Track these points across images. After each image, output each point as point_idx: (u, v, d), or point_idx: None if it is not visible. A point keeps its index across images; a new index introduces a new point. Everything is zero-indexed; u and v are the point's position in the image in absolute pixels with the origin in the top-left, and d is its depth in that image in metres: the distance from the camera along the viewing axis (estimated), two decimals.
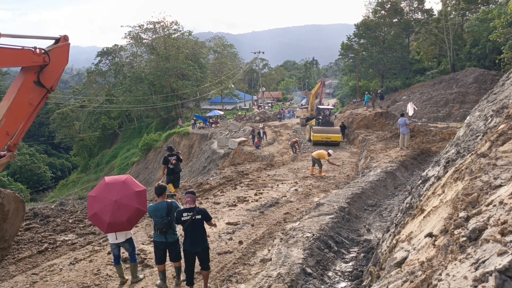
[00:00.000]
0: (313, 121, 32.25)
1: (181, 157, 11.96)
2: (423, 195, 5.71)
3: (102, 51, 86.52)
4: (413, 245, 4.17)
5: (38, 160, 73.13)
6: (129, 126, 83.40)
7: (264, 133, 34.14)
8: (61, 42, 7.58)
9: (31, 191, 61.61)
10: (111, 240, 6.40)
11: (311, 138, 27.94)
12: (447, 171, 5.46)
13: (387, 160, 15.50)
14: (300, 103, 71.37)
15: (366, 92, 39.45)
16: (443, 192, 4.69)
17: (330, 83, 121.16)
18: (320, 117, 30.64)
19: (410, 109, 33.65)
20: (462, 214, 3.56)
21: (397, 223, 6.26)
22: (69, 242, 8.53)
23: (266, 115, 55.39)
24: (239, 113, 65.79)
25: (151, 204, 6.45)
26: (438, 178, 5.59)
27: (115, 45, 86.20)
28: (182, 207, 6.16)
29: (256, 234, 8.71)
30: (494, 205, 3.28)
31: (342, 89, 69.25)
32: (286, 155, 26.66)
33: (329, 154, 16.19)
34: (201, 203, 11.63)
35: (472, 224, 3.19)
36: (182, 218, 5.94)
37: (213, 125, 51.97)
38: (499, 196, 3.39)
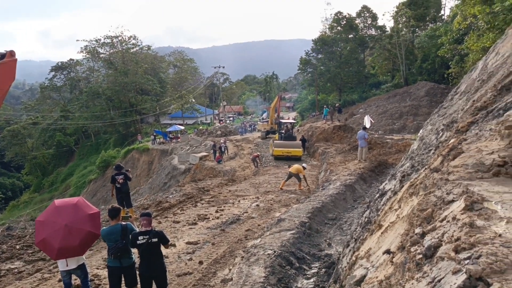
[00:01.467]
0: (277, 136, 32.36)
1: (130, 176, 11.59)
2: (381, 210, 5.78)
3: (56, 66, 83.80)
4: (371, 262, 4.17)
5: None
6: (86, 142, 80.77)
7: (226, 147, 34.00)
8: (7, 58, 7.16)
9: None
10: (61, 267, 5.99)
11: (272, 152, 27.98)
12: (402, 186, 5.55)
13: (346, 173, 15.76)
14: (261, 116, 71.93)
15: (325, 106, 40.33)
16: (400, 207, 4.75)
17: (290, 97, 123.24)
18: (283, 131, 30.83)
19: (367, 121, 34.61)
20: (417, 230, 3.59)
21: (356, 238, 6.29)
22: (15, 270, 7.96)
23: (227, 129, 55.29)
24: (200, 127, 65.32)
25: (104, 227, 6.14)
26: (395, 193, 5.68)
27: (71, 59, 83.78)
28: (137, 230, 5.91)
29: (217, 253, 8.51)
30: (448, 221, 3.33)
31: (301, 103, 70.47)
32: (248, 170, 26.61)
33: (304, 168, 16.72)
34: (160, 223, 11.29)
35: (428, 241, 3.21)
36: (138, 242, 5.68)
37: (173, 140, 51.25)
38: (452, 211, 3.44)
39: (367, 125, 33.28)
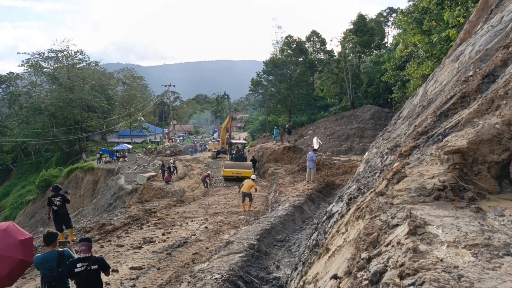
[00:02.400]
0: (228, 156, 32.17)
1: (69, 198, 10.96)
2: (328, 233, 5.79)
3: None
4: (319, 287, 4.12)
5: None
6: (25, 160, 76.08)
7: (175, 167, 33.32)
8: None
9: None
10: None
11: (222, 173, 27.64)
12: (349, 209, 5.62)
13: (295, 193, 15.88)
14: (212, 136, 71.60)
15: (275, 127, 40.83)
16: (347, 230, 4.78)
17: (241, 117, 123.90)
18: (234, 151, 30.68)
19: (316, 143, 35.42)
20: (364, 254, 3.59)
21: (304, 261, 6.26)
22: None
23: (177, 148, 54.36)
24: (149, 146, 63.74)
25: (38, 254, 5.66)
26: (342, 216, 5.73)
27: (10, 72, 79.51)
28: (76, 256, 5.51)
29: (162, 279, 8.14)
30: (393, 245, 3.36)
31: (252, 123, 71.01)
32: (197, 190, 26.16)
33: (254, 180, 16.73)
34: (102, 247, 10.69)
35: (373, 266, 3.21)
36: (76, 270, 5.27)
37: (120, 159, 49.55)
38: (396, 236, 3.48)
39: (316, 146, 34.03)
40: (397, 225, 3.73)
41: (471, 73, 6.77)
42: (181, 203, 19.11)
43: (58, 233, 5.75)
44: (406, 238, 3.31)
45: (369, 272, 3.17)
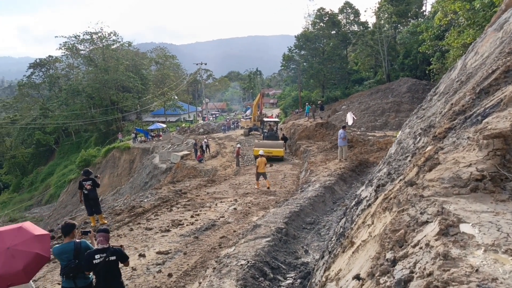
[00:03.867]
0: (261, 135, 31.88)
1: (99, 182, 11.07)
2: (355, 222, 5.44)
3: (35, 63, 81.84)
4: (341, 287, 3.81)
5: None
6: (67, 141, 79.09)
7: (207, 146, 33.49)
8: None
9: None
10: None
11: (253, 153, 27.18)
12: (377, 197, 5.22)
13: (326, 173, 15.47)
14: (245, 113, 71.49)
15: (307, 103, 40.07)
16: (373, 223, 4.41)
17: (274, 93, 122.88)
18: (266, 130, 30.29)
19: (350, 118, 34.53)
20: (389, 255, 3.24)
21: (330, 250, 5.96)
22: None
23: (210, 126, 54.69)
24: (183, 125, 64.47)
25: (56, 245, 5.64)
26: (369, 205, 5.34)
27: (49, 56, 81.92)
28: (94, 247, 5.44)
29: (188, 264, 8.08)
30: (421, 247, 2.99)
31: (285, 100, 70.11)
32: (229, 169, 26.21)
33: (262, 156, 16.76)
34: (132, 230, 10.79)
35: (398, 271, 2.87)
36: (94, 261, 5.20)
37: (155, 139, 50.41)
38: (425, 236, 3.10)
39: (350, 122, 33.19)
40: (427, 222, 3.34)
41: None
42: (212, 183, 19.12)
43: (76, 223, 5.66)
44: (436, 240, 2.93)
45: (393, 278, 2.83)
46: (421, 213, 3.49)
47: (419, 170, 4.48)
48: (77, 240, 5.50)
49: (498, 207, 3.43)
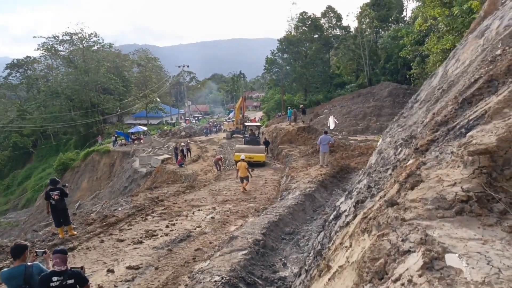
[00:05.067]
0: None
1: (67, 191, 10.47)
2: (332, 241, 5.10)
3: (12, 63, 79.87)
4: None
5: None
6: (45, 144, 77.19)
7: (188, 149, 32.94)
8: None
9: None
10: None
11: (234, 157, 26.63)
12: (356, 215, 4.89)
13: (307, 179, 15.16)
14: (228, 116, 71.08)
15: (289, 107, 39.93)
16: (351, 245, 4.07)
17: (258, 96, 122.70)
18: (247, 134, 29.85)
19: (331, 122, 34.47)
20: None
21: (307, 269, 5.61)
22: None
23: (192, 130, 54.05)
24: (165, 128, 63.62)
25: (5, 269, 5.11)
26: (347, 224, 5.01)
27: (27, 56, 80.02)
28: (49, 270, 4.95)
29: (159, 281, 7.62)
30: (403, 284, 2.66)
31: (268, 103, 69.90)
32: (210, 173, 25.72)
33: (243, 160, 17.28)
34: (102, 241, 10.25)
35: None
36: (51, 284, 4.73)
37: (135, 142, 49.50)
38: (408, 269, 2.77)
39: (331, 126, 33.10)
40: (409, 252, 3.00)
41: (499, 51, 5.82)
42: (191, 189, 18.64)
43: (28, 244, 5.15)
44: (420, 276, 2.61)
45: None
46: (402, 240, 3.16)
47: (400, 187, 4.17)
48: (29, 263, 4.99)
49: (486, 233, 3.13)
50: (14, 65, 79.36)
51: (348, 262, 3.74)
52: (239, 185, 19.20)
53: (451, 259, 2.74)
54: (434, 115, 5.92)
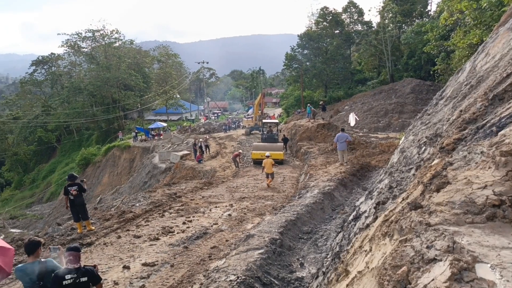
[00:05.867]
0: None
1: (85, 187, 10.52)
2: (351, 243, 4.87)
3: (37, 60, 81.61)
4: None
5: None
6: (68, 139, 78.80)
7: (207, 146, 32.96)
8: None
9: None
10: None
11: (251, 155, 26.21)
12: (376, 217, 4.65)
13: (326, 178, 14.87)
14: (247, 113, 71.00)
15: (308, 104, 39.51)
16: (370, 250, 3.84)
17: (277, 92, 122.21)
18: (265, 132, 29.54)
19: (352, 119, 33.91)
20: None
21: (325, 271, 5.40)
22: None
23: (211, 126, 54.17)
24: (184, 124, 64.00)
25: (19, 265, 5.08)
26: (367, 226, 4.77)
27: (52, 53, 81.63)
28: (62, 266, 4.88)
29: (174, 279, 7.53)
30: None
31: (287, 99, 69.41)
32: (228, 170, 25.65)
33: (268, 157, 17.63)
34: (120, 237, 10.25)
35: None
36: (64, 282, 4.66)
37: (155, 138, 49.92)
38: (433, 280, 2.53)
39: (352, 123, 32.58)
40: (435, 260, 2.77)
41: None
42: (209, 185, 18.58)
43: (41, 241, 5.11)
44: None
45: None
46: (427, 247, 2.92)
47: (425, 189, 3.91)
48: (42, 260, 4.95)
49: None
50: (39, 62, 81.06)
51: (368, 268, 3.52)
52: (256, 182, 19.08)
53: (482, 270, 2.51)
54: (461, 112, 5.61)
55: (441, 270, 2.58)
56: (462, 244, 2.80)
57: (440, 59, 34.25)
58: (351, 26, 61.24)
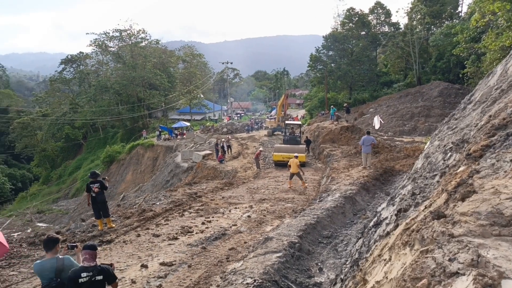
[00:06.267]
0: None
1: (107, 185, 10.65)
2: (371, 251, 4.72)
3: (66, 59, 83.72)
4: None
5: None
6: (94, 136, 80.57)
7: (229, 146, 33.04)
8: None
9: None
10: None
11: (272, 157, 25.99)
12: (397, 225, 4.48)
13: (348, 181, 14.62)
14: (270, 114, 70.88)
15: (332, 106, 39.11)
16: (390, 259, 3.69)
17: (301, 93, 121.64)
18: (287, 133, 29.29)
19: (377, 122, 33.37)
20: None
21: (343, 279, 5.26)
22: None
23: (234, 126, 54.31)
24: (207, 124, 64.42)
25: (37, 261, 5.15)
26: (387, 234, 4.61)
27: (80, 52, 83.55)
28: (79, 264, 4.92)
29: (191, 279, 7.51)
30: None
31: (311, 101, 68.93)
32: (249, 170, 25.64)
33: (296, 157, 17.61)
34: (139, 235, 10.33)
35: None
36: (80, 280, 4.69)
37: (179, 137, 50.41)
38: None
39: (377, 126, 32.04)
40: (457, 274, 2.62)
41: None
42: (229, 186, 18.58)
43: (59, 237, 5.16)
44: None
45: None
46: (450, 260, 2.77)
47: (449, 197, 3.73)
48: (60, 256, 5.00)
49: None
50: (68, 61, 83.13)
51: (386, 278, 3.38)
52: (277, 184, 18.97)
53: (509, 287, 2.35)
54: (490, 117, 5.36)
55: (464, 285, 2.43)
56: (487, 258, 2.64)
57: (470, 62, 33.33)
58: (377, 28, 60.33)
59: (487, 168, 3.85)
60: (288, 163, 17.72)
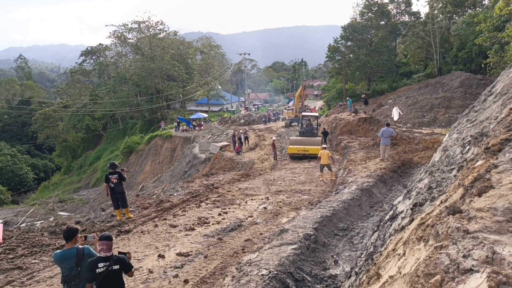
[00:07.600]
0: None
1: (125, 176, 10.83)
2: (385, 245, 4.70)
3: (86, 50, 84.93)
4: None
5: (20, 161, 71.50)
6: (114, 127, 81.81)
7: (246, 137, 33.11)
8: None
9: (12, 193, 60.02)
10: None
11: (287, 150, 25.74)
12: (412, 219, 4.45)
13: (365, 173, 14.51)
14: (287, 104, 70.63)
15: (348, 98, 38.72)
16: (404, 254, 3.67)
17: (319, 84, 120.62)
18: (304, 125, 29.02)
19: (396, 113, 32.93)
20: None
21: (357, 272, 5.25)
22: None
23: (251, 118, 54.32)
24: (225, 115, 64.62)
25: (58, 251, 5.30)
26: (402, 228, 4.57)
27: (100, 44, 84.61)
28: (97, 254, 5.05)
29: (207, 270, 7.62)
30: None
31: (329, 92, 68.29)
32: (266, 162, 25.67)
33: (324, 148, 17.77)
34: (157, 226, 10.51)
35: None
36: (97, 270, 4.82)
37: (196, 128, 50.74)
38: None
39: (395, 117, 31.60)
40: (471, 271, 2.60)
41: None
42: (246, 177, 18.65)
43: (78, 228, 5.30)
44: None
45: None
46: (464, 256, 2.75)
47: (465, 192, 3.68)
48: (80, 246, 5.14)
49: None
50: (88, 52, 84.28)
51: (400, 273, 3.37)
52: (294, 175, 18.95)
53: None
54: (511, 110, 5.24)
55: (477, 283, 2.41)
56: (502, 255, 2.61)
57: (493, 52, 32.40)
58: (397, 17, 59.12)
59: (505, 163, 3.78)
60: (319, 155, 17.46)
